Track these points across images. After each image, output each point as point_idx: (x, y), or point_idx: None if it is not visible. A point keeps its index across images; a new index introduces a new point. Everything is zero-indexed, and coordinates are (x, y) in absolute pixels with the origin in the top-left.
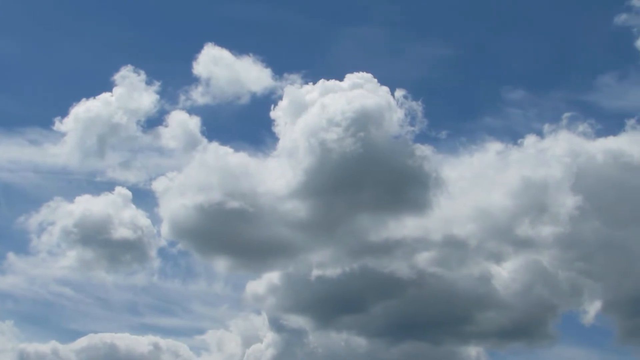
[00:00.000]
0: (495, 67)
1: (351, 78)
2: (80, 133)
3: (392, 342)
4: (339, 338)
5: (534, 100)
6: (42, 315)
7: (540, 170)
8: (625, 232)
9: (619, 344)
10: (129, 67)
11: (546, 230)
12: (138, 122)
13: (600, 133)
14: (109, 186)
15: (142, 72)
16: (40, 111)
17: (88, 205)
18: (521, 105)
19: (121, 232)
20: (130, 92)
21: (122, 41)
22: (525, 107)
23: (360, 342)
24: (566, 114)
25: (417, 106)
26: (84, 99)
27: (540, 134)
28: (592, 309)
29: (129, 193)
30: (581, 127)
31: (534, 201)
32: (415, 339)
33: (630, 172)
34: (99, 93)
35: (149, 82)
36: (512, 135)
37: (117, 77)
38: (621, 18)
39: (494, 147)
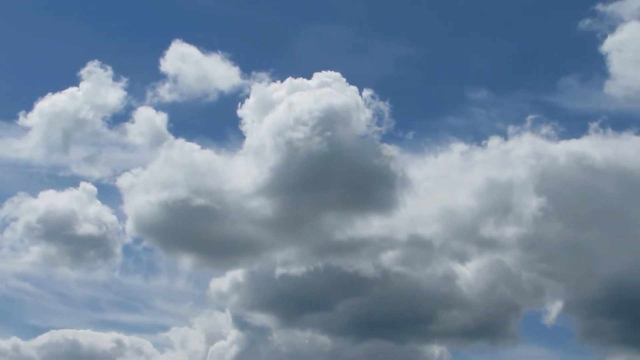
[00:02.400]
0: (460, 67)
1: (319, 77)
2: (45, 128)
3: (356, 341)
4: (303, 336)
5: (497, 100)
6: (2, 311)
7: (505, 171)
8: (587, 234)
9: (579, 344)
10: (96, 62)
11: (510, 231)
12: (104, 118)
13: (564, 135)
14: (73, 181)
15: (109, 68)
16: (4, 105)
17: (52, 201)
18: (484, 105)
19: (86, 228)
20: (97, 88)
21: (90, 36)
22: (488, 107)
23: (324, 340)
24: (530, 116)
25: (385, 106)
26: (49, 94)
27: (504, 135)
28: (554, 309)
29: (94, 189)
30: (545, 130)
31: (498, 202)
32: (379, 338)
33: (592, 175)
34: (65, 88)
35: (116, 78)
36: (476, 136)
37: (83, 72)
38: (585, 23)
39: (459, 147)
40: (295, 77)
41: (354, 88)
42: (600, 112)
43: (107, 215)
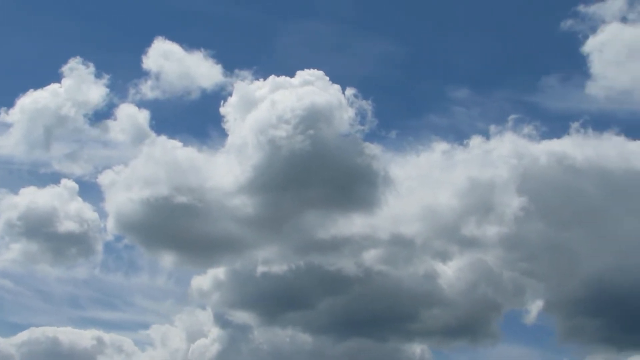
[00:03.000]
0: (442, 66)
1: (302, 75)
2: (26, 124)
3: (337, 339)
4: (284, 334)
5: (479, 100)
6: None
7: (486, 171)
8: (567, 234)
9: (559, 343)
10: (78, 59)
11: (491, 230)
12: (86, 115)
13: (545, 135)
14: (54, 178)
15: (91, 65)
16: None
17: (33, 198)
18: (466, 104)
19: (67, 226)
20: (79, 84)
21: (72, 32)
22: (469, 106)
23: (305, 338)
24: (512, 116)
25: (367, 105)
26: (31, 90)
27: (485, 134)
28: (535, 308)
29: (75, 186)
30: (526, 129)
31: (480, 201)
32: (361, 336)
33: (573, 175)
34: (47, 84)
35: (98, 75)
36: (458, 135)
37: (65, 68)
38: (567, 23)
39: (441, 146)
40: (278, 76)
41: (337, 87)
42: (582, 112)
43: (89, 212)
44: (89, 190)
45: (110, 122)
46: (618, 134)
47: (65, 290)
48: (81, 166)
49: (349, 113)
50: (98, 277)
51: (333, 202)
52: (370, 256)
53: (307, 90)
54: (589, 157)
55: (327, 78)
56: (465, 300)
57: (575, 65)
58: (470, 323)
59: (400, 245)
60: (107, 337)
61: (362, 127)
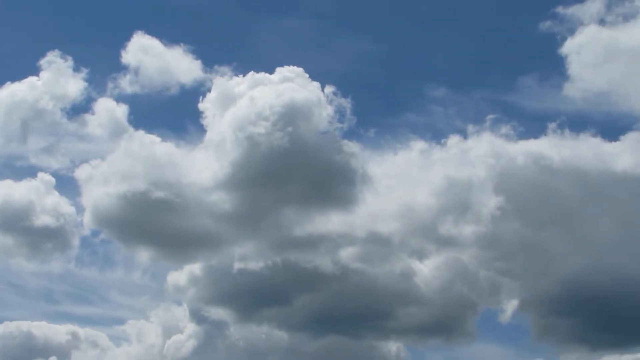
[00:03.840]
0: (420, 64)
1: (281, 71)
2: (3, 117)
3: (313, 336)
4: (260, 331)
5: (456, 99)
6: None
7: (464, 170)
8: (543, 234)
9: (534, 342)
10: (56, 52)
11: (468, 229)
12: (64, 109)
13: (522, 135)
14: (31, 172)
15: (70, 58)
16: None
17: (9, 191)
18: (443, 103)
19: (43, 220)
20: (57, 78)
21: (50, 25)
22: (447, 105)
23: (281, 335)
24: (490, 116)
25: (346, 103)
26: (8, 83)
27: (463, 134)
28: (510, 307)
29: (52, 179)
30: (504, 129)
31: (457, 200)
32: (337, 334)
33: (550, 175)
34: (25, 77)
35: (76, 69)
36: (435, 134)
37: (43, 61)
38: (546, 25)
39: (418, 145)
40: (258, 72)
41: (316, 84)
42: (559, 113)
43: (65, 206)
44: (66, 185)
45: (88, 116)
46: (594, 135)
47: (40, 284)
48: (58, 160)
49: (328, 111)
50: (73, 271)
51: (311, 200)
52: (347, 254)
53: (287, 87)
54: (566, 158)
55: (307, 75)
56: (442, 298)
57: (553, 67)
58: (446, 321)
59: (377, 243)
60: (82, 332)
61: (340, 125)
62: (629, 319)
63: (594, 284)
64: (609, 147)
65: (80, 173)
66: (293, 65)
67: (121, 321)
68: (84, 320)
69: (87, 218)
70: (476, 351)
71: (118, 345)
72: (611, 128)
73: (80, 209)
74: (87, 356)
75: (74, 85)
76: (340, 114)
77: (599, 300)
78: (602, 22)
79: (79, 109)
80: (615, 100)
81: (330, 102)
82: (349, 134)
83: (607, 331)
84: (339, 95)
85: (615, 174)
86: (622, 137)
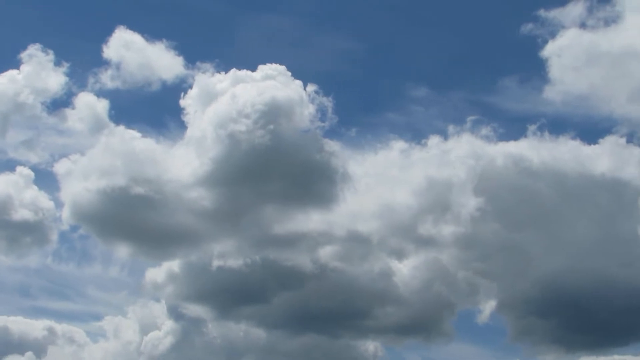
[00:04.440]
0: (402, 64)
1: (264, 69)
2: None
3: (291, 334)
4: (238, 328)
5: (437, 99)
6: None
7: (444, 170)
8: (521, 235)
9: (511, 343)
10: (37, 46)
11: (447, 230)
12: (44, 103)
13: (502, 137)
14: (9, 165)
15: (51, 52)
16: None
17: None
18: (424, 103)
19: (21, 214)
20: (38, 72)
21: (32, 18)
22: (427, 105)
23: (259, 333)
24: (470, 117)
25: (328, 102)
26: None
27: (443, 134)
28: (487, 308)
29: (31, 173)
30: (484, 131)
31: (437, 201)
32: (315, 332)
33: (529, 177)
34: (5, 70)
35: (57, 63)
36: (416, 134)
37: (24, 55)
38: (527, 27)
39: (399, 145)
40: (240, 69)
41: (298, 82)
42: (539, 116)
43: (44, 201)
44: (45, 179)
45: (68, 111)
46: (574, 138)
47: (17, 279)
48: (37, 154)
49: (310, 109)
50: (51, 266)
51: (291, 198)
52: (326, 252)
53: (269, 85)
54: (545, 160)
55: (289, 73)
56: (420, 298)
57: (534, 69)
58: (424, 321)
59: (357, 242)
60: (59, 327)
61: (322, 124)
62: (605, 321)
63: (571, 286)
64: (588, 150)
65: (60, 168)
66: (275, 63)
67: (98, 317)
68: (61, 316)
69: (65, 213)
70: (453, 351)
71: (95, 341)
72: (590, 131)
73: (59, 204)
74: (64, 352)
75: (55, 80)
76: (321, 112)
77: (576, 302)
78: (583, 25)
79: (60, 103)
80: (595, 103)
81: (312, 100)
82: (330, 133)
83: (583, 333)
84: (321, 94)
85: (593, 176)
86: (601, 141)
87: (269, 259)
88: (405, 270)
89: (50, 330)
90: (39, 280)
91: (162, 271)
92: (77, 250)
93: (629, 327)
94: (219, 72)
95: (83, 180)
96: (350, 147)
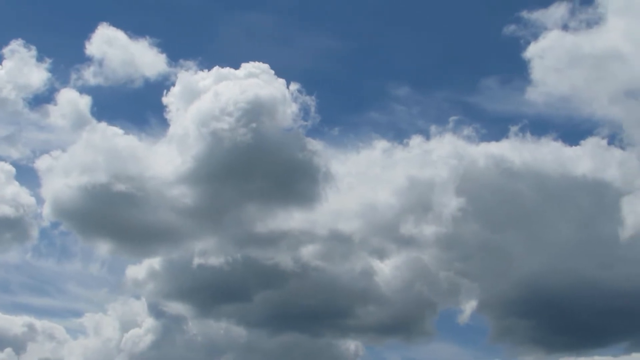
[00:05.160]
0: (384, 62)
1: (247, 67)
2: None
3: (272, 333)
4: (219, 326)
5: (419, 98)
6: None
7: (426, 170)
8: (502, 236)
9: (492, 343)
10: (20, 41)
11: (429, 230)
12: (26, 98)
13: (484, 138)
14: None
15: (33, 48)
16: None
17: None
18: (406, 102)
19: (2, 210)
20: (20, 67)
21: (14, 13)
22: (409, 105)
23: (239, 331)
24: (452, 117)
25: (311, 101)
26: None
27: (425, 134)
28: (468, 308)
29: (12, 169)
30: (466, 131)
31: (419, 201)
32: (296, 331)
33: (510, 178)
34: None
35: (39, 59)
36: (398, 133)
37: (6, 50)
38: (510, 28)
39: (381, 145)
40: (223, 67)
41: (281, 81)
42: (521, 117)
43: (25, 197)
44: (26, 175)
45: (50, 107)
46: (555, 139)
47: None
48: (19, 150)
49: (293, 108)
50: (31, 262)
51: (273, 197)
52: (307, 251)
53: (251, 83)
54: (526, 161)
55: (272, 72)
56: (401, 298)
57: (516, 70)
58: (405, 321)
59: (338, 241)
60: (39, 324)
61: (305, 123)
62: (586, 322)
63: (551, 286)
64: (570, 152)
65: (41, 164)
66: (259, 61)
67: (78, 314)
68: (41, 312)
69: (46, 209)
70: (433, 350)
71: (75, 337)
72: (572, 132)
73: (40, 200)
74: (44, 348)
75: (37, 75)
76: (304, 111)
77: (557, 303)
78: (565, 27)
79: (42, 99)
80: (577, 105)
81: (294, 99)
82: (313, 132)
83: (563, 334)
84: (304, 92)
85: (575, 178)
86: (582, 142)
87: (251, 257)
88: (387, 269)
89: (30, 327)
90: (19, 277)
91: (143, 268)
92: (57, 247)
93: (610, 329)
94: (201, 69)
95: (64, 176)
96: (332, 146)
